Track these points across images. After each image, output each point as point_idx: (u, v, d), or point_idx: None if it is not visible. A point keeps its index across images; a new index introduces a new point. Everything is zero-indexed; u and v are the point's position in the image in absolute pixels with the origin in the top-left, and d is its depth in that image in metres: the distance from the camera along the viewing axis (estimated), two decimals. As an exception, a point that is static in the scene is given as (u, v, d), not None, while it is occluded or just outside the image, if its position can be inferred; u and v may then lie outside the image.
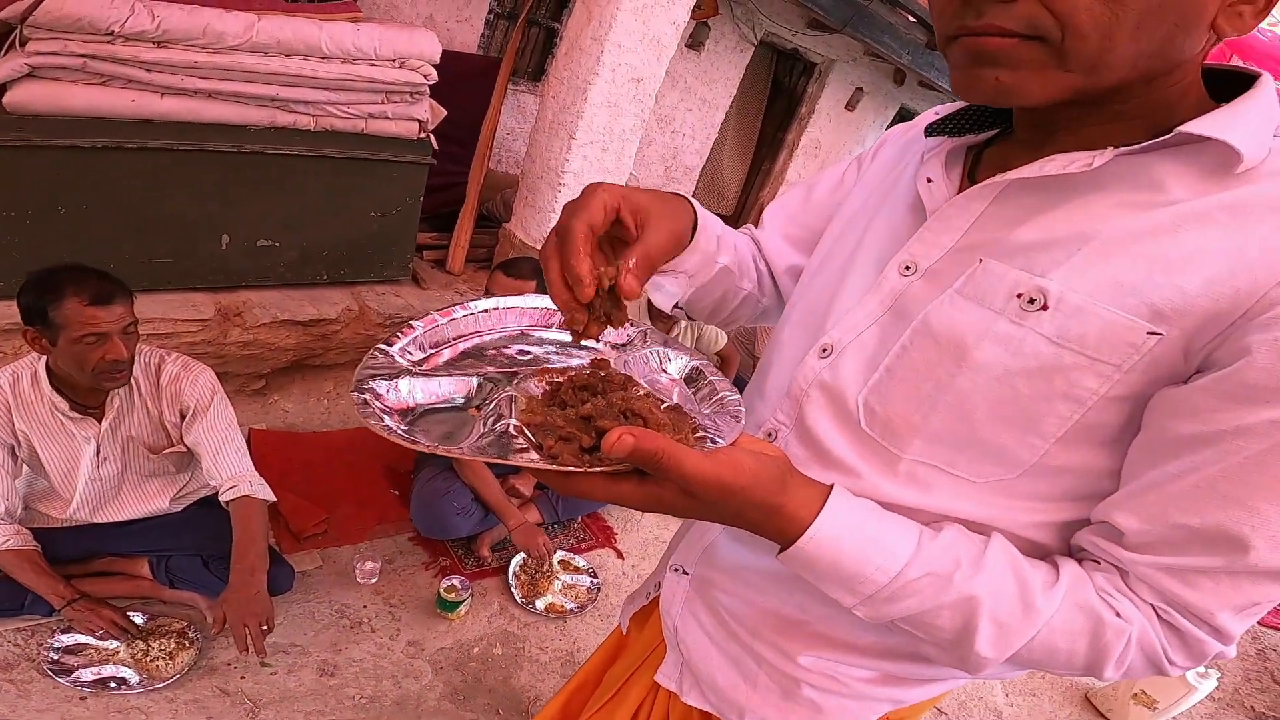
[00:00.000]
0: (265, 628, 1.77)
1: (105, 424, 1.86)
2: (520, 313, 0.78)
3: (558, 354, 0.74)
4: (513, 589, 2.53)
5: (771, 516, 0.58)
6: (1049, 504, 0.62)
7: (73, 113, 2.40)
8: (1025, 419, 0.58)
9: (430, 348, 0.71)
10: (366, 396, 0.60)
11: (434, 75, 2.96)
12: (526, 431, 0.57)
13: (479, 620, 2.43)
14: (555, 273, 0.60)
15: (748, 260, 0.89)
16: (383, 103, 2.94)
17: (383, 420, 0.57)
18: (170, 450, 1.96)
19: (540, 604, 2.52)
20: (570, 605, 2.56)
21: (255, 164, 2.83)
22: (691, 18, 5.53)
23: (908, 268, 0.65)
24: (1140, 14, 0.50)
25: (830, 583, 0.60)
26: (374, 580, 2.41)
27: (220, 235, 2.93)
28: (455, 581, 2.37)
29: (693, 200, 0.77)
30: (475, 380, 0.66)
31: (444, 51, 3.07)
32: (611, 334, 0.75)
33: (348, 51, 2.72)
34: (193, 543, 2.08)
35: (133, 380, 1.87)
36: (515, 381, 0.66)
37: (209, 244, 2.92)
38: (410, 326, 0.72)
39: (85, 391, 1.81)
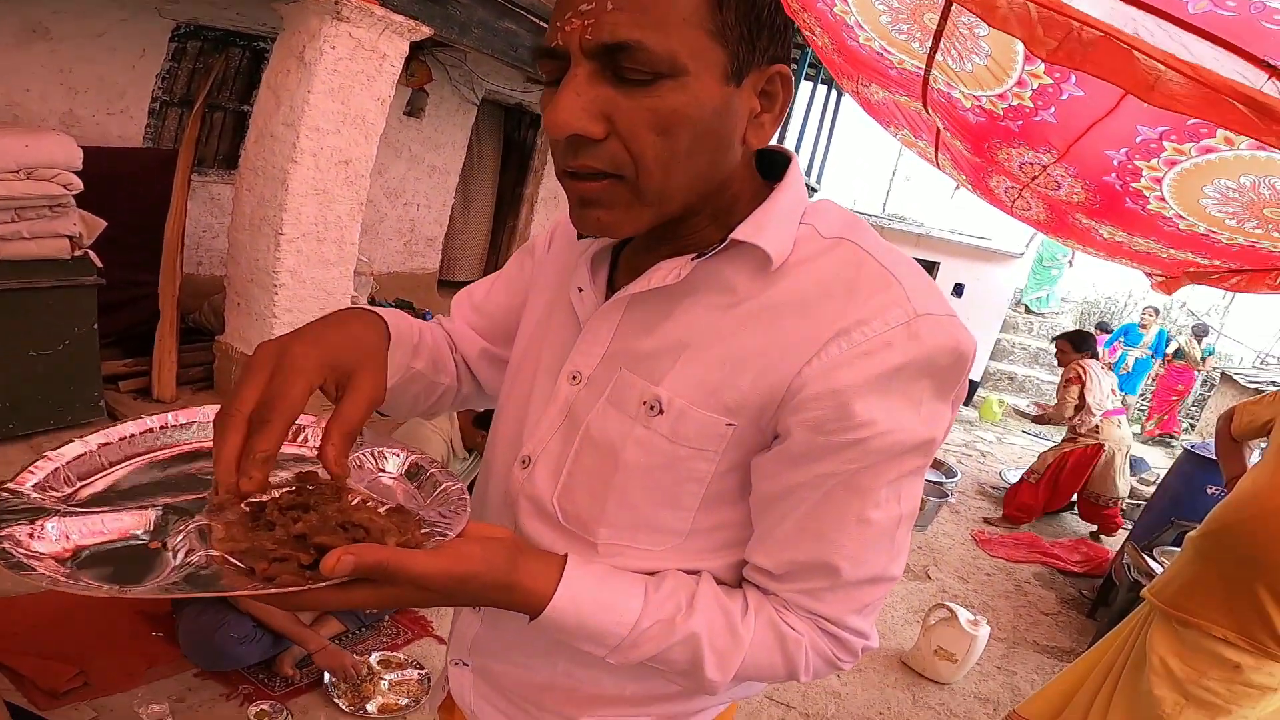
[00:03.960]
0: None
1: None
2: (202, 426, 0.72)
3: None
4: (335, 700, 2.30)
5: (510, 593, 0.65)
6: (718, 553, 0.75)
7: None
8: (670, 499, 0.73)
9: (79, 479, 0.63)
10: (5, 545, 0.51)
11: (77, 183, 2.58)
12: (231, 559, 0.54)
13: (308, 738, 2.16)
14: (232, 450, 0.56)
15: (444, 356, 0.95)
16: (13, 221, 2.50)
17: (33, 569, 0.50)
18: None
19: (371, 707, 2.32)
20: (405, 700, 2.38)
21: None
22: (406, 85, 5.38)
23: (574, 377, 0.77)
24: (688, 146, 0.63)
25: (580, 640, 0.70)
26: (167, 721, 2.06)
27: None
28: (265, 706, 2.15)
29: (382, 313, 0.81)
30: (154, 512, 0.60)
31: (100, 149, 2.72)
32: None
33: (-53, 168, 2.27)
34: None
35: None
36: (205, 509, 0.59)
37: None
38: (47, 458, 0.62)
39: None
